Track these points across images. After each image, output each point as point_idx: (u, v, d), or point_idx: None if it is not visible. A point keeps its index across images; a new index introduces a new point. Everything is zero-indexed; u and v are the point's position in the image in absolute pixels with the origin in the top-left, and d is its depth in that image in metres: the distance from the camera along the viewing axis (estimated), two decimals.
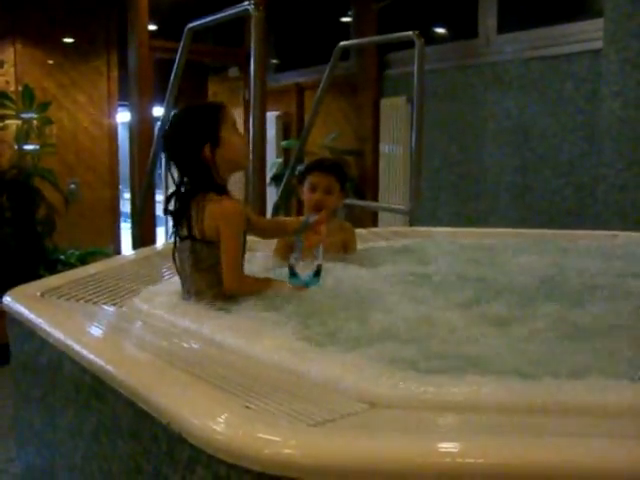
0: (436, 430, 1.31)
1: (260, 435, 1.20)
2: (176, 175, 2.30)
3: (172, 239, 2.34)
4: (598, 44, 4.94)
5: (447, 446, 1.16)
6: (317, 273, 2.25)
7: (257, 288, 2.24)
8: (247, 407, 1.34)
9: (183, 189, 2.27)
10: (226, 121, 2.28)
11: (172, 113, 2.41)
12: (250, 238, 2.41)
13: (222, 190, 2.25)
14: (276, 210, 4.70)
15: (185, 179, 2.28)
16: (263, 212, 5.12)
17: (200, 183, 2.24)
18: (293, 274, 2.25)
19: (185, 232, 2.25)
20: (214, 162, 2.22)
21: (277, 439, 1.19)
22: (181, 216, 2.26)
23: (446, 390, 1.42)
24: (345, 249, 3.12)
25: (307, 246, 2.37)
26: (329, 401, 1.40)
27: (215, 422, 1.27)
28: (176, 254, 2.31)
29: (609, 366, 1.61)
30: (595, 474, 1.11)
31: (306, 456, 1.15)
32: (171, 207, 2.31)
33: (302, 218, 2.52)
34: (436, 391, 1.42)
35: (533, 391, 1.40)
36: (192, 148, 2.22)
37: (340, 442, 1.19)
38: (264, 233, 2.60)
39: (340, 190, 3.03)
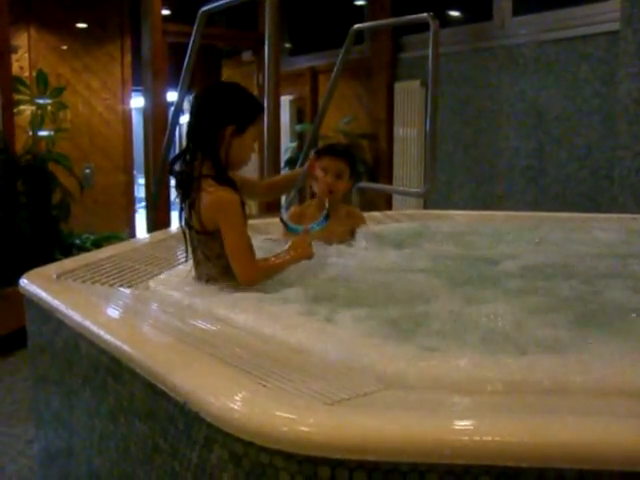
0: (452, 409, 1.31)
1: (277, 413, 1.21)
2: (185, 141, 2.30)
3: (181, 222, 2.33)
4: (614, 25, 4.89)
5: (463, 424, 1.16)
6: (326, 217, 2.48)
7: (272, 270, 2.24)
8: (264, 386, 1.34)
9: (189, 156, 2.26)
10: (258, 124, 2.31)
11: (219, 82, 2.42)
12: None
13: (222, 177, 2.23)
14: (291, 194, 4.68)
15: (193, 146, 2.26)
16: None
17: (208, 154, 2.22)
18: (289, 227, 2.45)
19: (190, 221, 2.26)
20: (227, 146, 2.21)
21: (294, 417, 1.19)
22: (184, 187, 2.25)
23: (461, 370, 1.42)
24: (354, 235, 3.12)
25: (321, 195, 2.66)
26: (345, 380, 1.41)
27: (232, 401, 1.27)
28: (187, 239, 2.31)
29: (626, 347, 1.60)
30: (609, 453, 1.11)
31: (323, 434, 1.15)
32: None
33: (297, 171, 2.56)
34: (451, 371, 1.42)
35: (549, 370, 1.40)
36: (220, 119, 2.22)
37: (356, 420, 1.20)
38: (266, 194, 2.65)
39: (350, 175, 3.03)
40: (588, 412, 1.27)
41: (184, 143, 2.34)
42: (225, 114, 2.23)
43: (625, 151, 4.73)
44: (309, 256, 2.29)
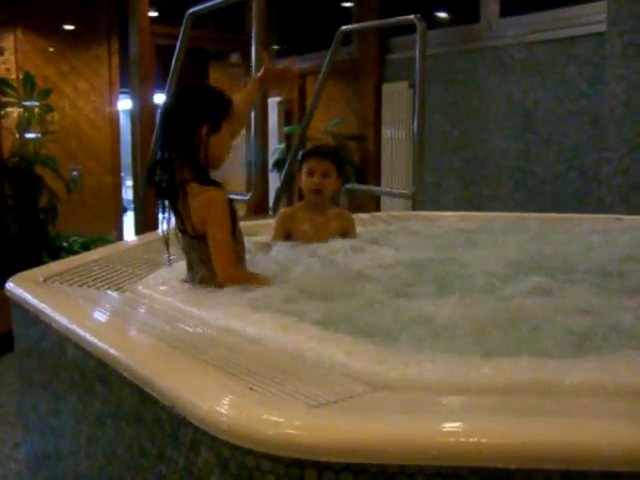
0: (439, 411, 1.31)
1: (264, 416, 1.21)
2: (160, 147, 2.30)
3: (165, 225, 2.31)
4: (601, 27, 4.92)
5: (451, 426, 1.16)
6: None
7: (241, 278, 2.22)
8: (251, 389, 1.34)
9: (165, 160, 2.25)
10: (230, 118, 2.29)
11: (184, 85, 2.41)
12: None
13: (205, 178, 2.22)
14: (278, 195, 4.68)
15: (169, 153, 2.25)
16: (265, 197, 5.14)
17: (187, 158, 2.21)
18: None
19: (181, 226, 2.25)
20: (205, 146, 2.20)
21: (281, 420, 1.19)
22: (169, 196, 2.24)
23: (448, 371, 1.42)
24: (344, 237, 3.14)
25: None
26: (332, 383, 1.41)
27: (219, 404, 1.27)
28: (166, 240, 2.31)
29: (608, 346, 1.61)
30: (596, 454, 1.11)
31: (310, 437, 1.15)
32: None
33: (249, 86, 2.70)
34: (438, 372, 1.42)
35: (534, 372, 1.40)
36: (193, 121, 2.20)
37: (343, 423, 1.20)
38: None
39: (338, 174, 3.09)
40: (575, 413, 1.27)
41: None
42: (197, 115, 2.21)
43: (612, 152, 4.75)
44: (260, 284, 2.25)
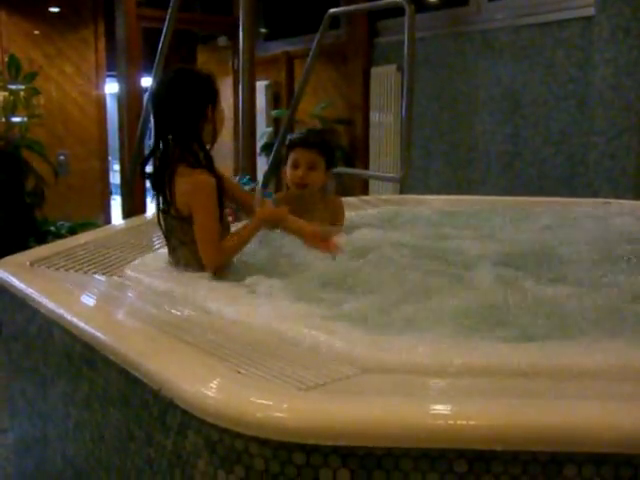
0: (427, 393, 1.32)
1: (252, 399, 1.21)
2: (153, 136, 2.29)
3: (156, 207, 2.32)
4: (590, 10, 4.91)
5: (438, 408, 1.17)
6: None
7: (238, 246, 2.27)
8: (239, 372, 1.34)
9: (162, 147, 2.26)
10: (217, 92, 2.31)
11: (171, 71, 2.37)
12: None
13: (197, 161, 2.22)
14: (267, 179, 4.66)
15: (163, 139, 2.25)
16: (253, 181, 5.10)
17: (186, 144, 2.22)
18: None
19: (165, 207, 2.25)
20: (213, 124, 2.24)
21: (269, 403, 1.19)
22: (159, 179, 2.24)
23: (437, 354, 1.43)
24: (332, 223, 3.07)
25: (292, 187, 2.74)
26: (320, 366, 1.41)
27: (207, 387, 1.27)
28: (162, 223, 2.30)
29: (599, 328, 1.62)
30: (581, 435, 1.12)
31: (298, 419, 1.15)
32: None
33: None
34: (427, 355, 1.42)
35: (523, 354, 1.41)
36: (202, 103, 2.23)
37: (331, 405, 1.20)
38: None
39: (326, 167, 2.85)
40: (561, 395, 1.28)
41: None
42: (204, 97, 2.25)
43: (600, 136, 4.76)
44: (276, 219, 2.37)
